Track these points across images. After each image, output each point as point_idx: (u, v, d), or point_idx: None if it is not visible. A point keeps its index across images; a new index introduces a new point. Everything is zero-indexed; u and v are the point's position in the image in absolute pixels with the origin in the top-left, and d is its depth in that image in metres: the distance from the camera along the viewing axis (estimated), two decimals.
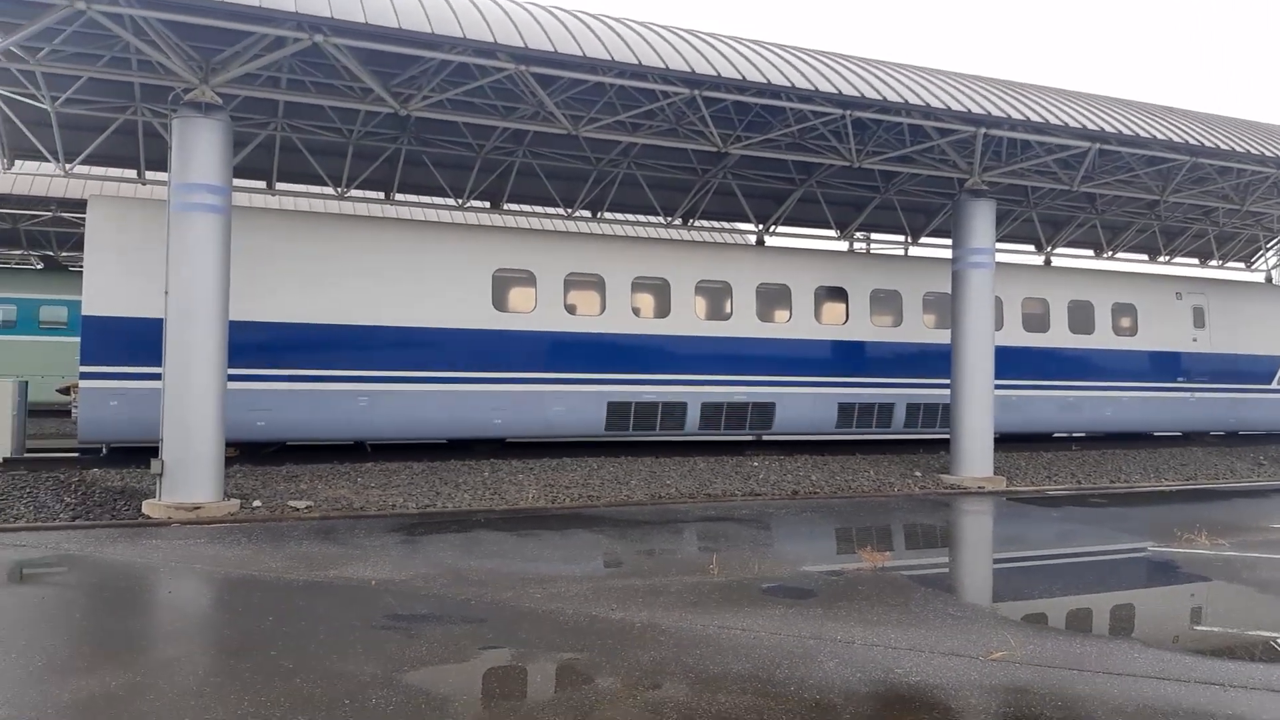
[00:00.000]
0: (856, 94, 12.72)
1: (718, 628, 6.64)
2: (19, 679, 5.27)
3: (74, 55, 12.05)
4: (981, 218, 15.50)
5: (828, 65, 13.37)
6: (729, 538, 10.22)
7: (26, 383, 15.34)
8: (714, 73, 12.04)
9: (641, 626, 6.63)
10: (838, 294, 18.37)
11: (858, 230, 21.33)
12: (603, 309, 16.60)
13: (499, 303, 15.93)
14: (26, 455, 14.55)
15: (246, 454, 14.83)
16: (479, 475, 13.99)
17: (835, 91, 12.62)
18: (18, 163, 15.83)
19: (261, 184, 17.00)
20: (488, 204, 18.72)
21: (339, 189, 17.10)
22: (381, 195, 17.83)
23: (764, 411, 17.59)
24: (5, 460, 13.96)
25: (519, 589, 7.62)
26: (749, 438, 18.81)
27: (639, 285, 16.94)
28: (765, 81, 12.29)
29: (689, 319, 17.14)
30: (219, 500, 10.84)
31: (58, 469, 13.62)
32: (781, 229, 20.86)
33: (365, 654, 5.85)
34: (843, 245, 21.41)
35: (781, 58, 13.13)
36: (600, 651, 6.06)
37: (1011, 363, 18.70)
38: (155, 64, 11.22)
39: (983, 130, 14.14)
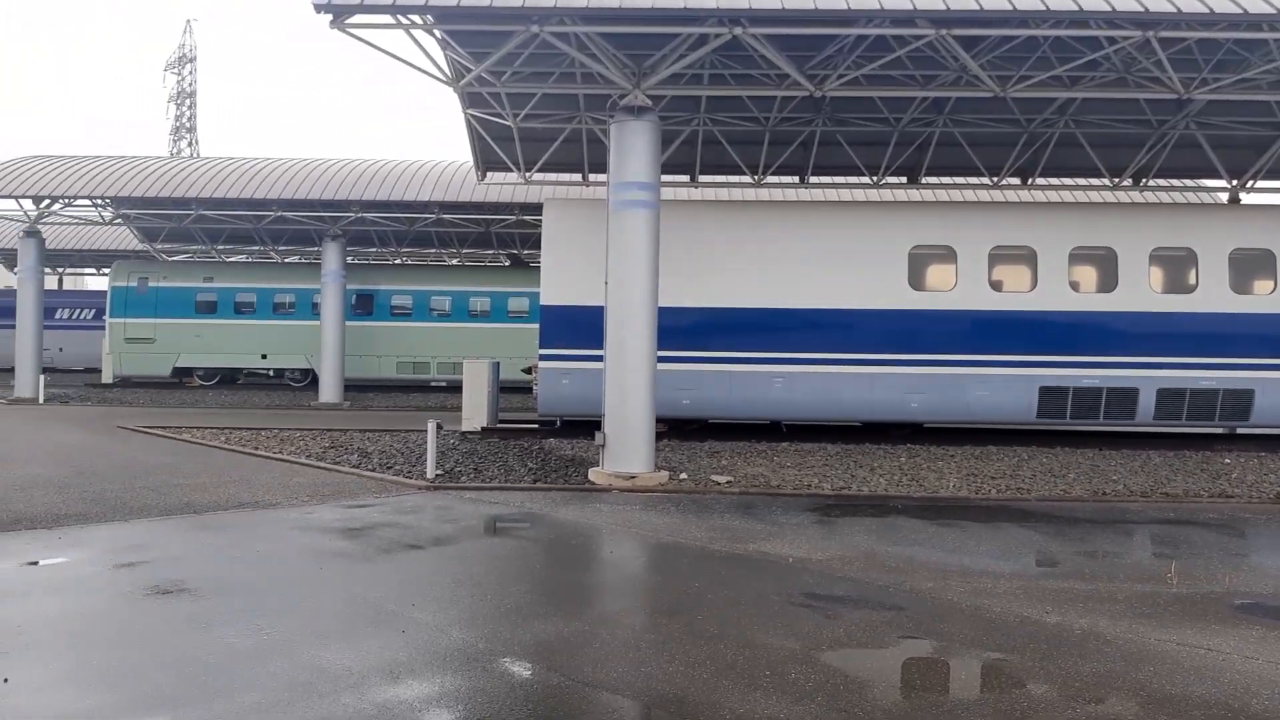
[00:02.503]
0: None
1: (1175, 644, 5.74)
2: (493, 617, 6.10)
3: (529, 75, 13.70)
4: None
5: None
6: (1191, 544, 8.84)
7: (498, 363, 17.89)
8: (1172, 9, 10.42)
9: (1081, 634, 5.95)
10: None
11: None
12: (1034, 284, 15.25)
13: (916, 281, 15.34)
14: (499, 426, 16.95)
15: (673, 430, 15.89)
16: (895, 460, 13.61)
17: None
18: (488, 174, 18.46)
19: (685, 178, 18.06)
20: (904, 179, 18.11)
21: (756, 176, 17.60)
22: (795, 179, 18.04)
23: (1239, 399, 14.98)
24: (483, 429, 16.39)
25: (940, 580, 7.24)
26: (1218, 430, 16.17)
27: (1078, 257, 15.31)
28: (1240, 12, 10.37)
29: (1141, 293, 15.11)
30: (650, 471, 11.72)
31: (522, 438, 15.70)
32: (1263, 184, 17.59)
33: (783, 629, 5.92)
34: None
35: None
36: (1032, 655, 5.54)
37: None
38: (595, 74, 12.37)
39: None
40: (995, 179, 17.74)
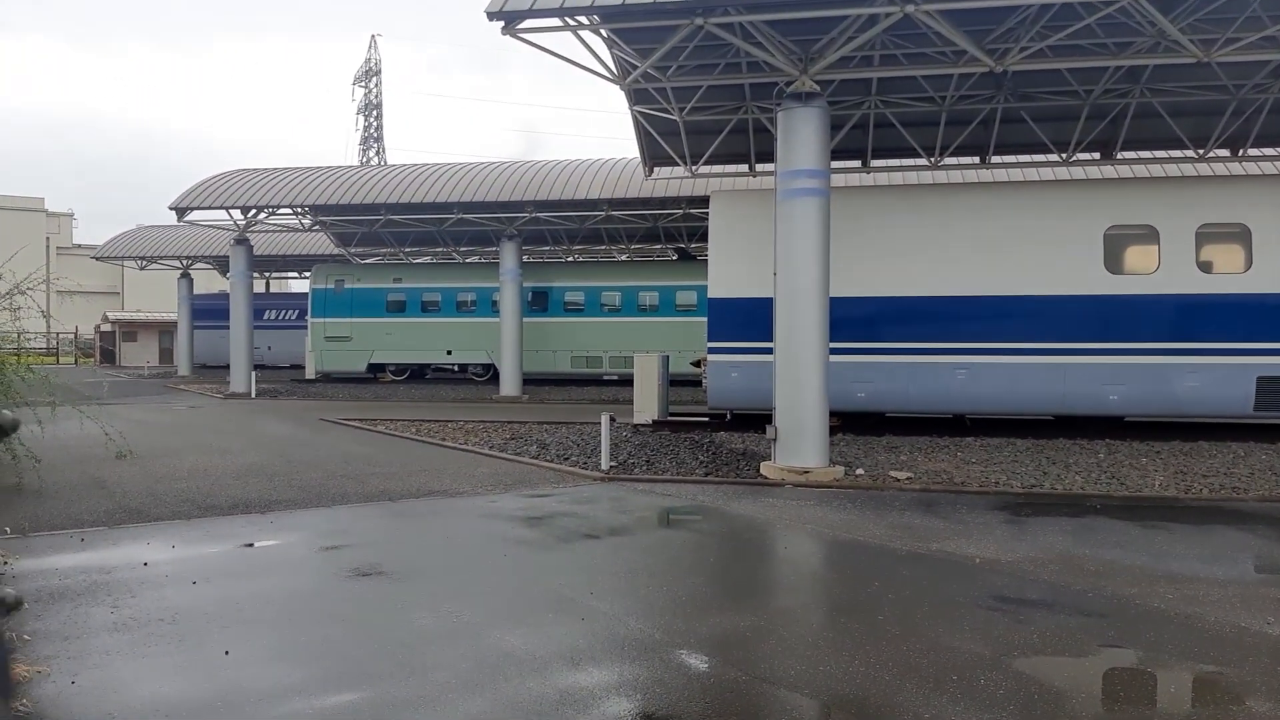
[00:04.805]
0: None
1: None
2: (669, 608, 6.14)
3: (694, 68, 13.69)
4: None
5: None
6: None
7: (668, 357, 18.02)
8: None
9: None
10: None
11: None
12: (1248, 264, 13.93)
13: (1112, 264, 14.31)
14: (669, 419, 17.08)
15: (848, 424, 15.51)
16: (1092, 456, 12.77)
17: None
18: (655, 169, 18.61)
19: (856, 163, 17.57)
20: (1096, 155, 16.92)
21: (932, 158, 16.91)
22: (975, 160, 17.21)
23: None
24: (654, 422, 16.57)
25: (1145, 586, 6.72)
26: None
27: None
28: None
29: None
30: (825, 466, 11.48)
31: (692, 431, 15.75)
32: None
33: (970, 632, 5.65)
34: None
35: None
36: (1252, 669, 5.05)
37: None
38: (761, 63, 12.21)
39: None
40: (1201, 151, 16.32)
